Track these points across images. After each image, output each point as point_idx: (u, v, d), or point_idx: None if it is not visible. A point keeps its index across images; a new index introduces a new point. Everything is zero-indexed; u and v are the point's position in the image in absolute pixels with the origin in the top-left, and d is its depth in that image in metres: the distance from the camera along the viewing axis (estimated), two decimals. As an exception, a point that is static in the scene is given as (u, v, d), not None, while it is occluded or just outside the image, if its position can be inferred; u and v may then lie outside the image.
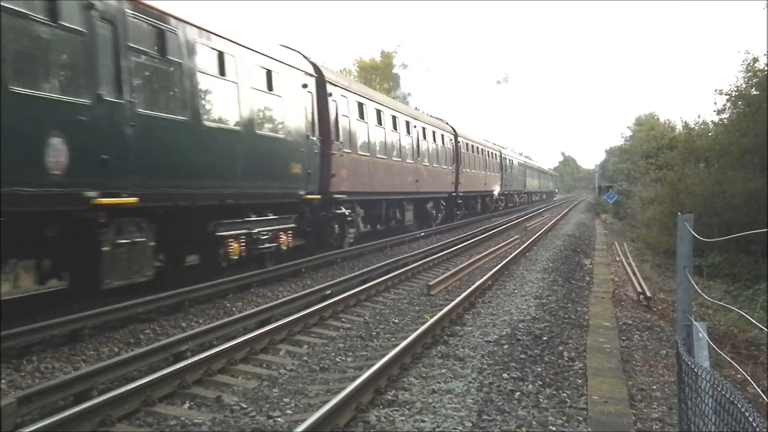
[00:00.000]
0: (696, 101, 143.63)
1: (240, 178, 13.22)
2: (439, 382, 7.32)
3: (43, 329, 8.55)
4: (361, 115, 20.86)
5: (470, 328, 10.13)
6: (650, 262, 23.75)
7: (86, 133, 9.18)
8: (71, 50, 9.16)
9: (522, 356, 8.53)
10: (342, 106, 18.96)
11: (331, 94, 18.11)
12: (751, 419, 2.43)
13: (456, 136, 35.07)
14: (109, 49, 9.69)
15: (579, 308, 12.11)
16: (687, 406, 3.79)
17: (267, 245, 14.18)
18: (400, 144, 24.59)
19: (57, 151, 8.57)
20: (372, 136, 21.59)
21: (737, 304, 16.42)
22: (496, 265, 16.60)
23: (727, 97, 27.56)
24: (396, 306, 12.09)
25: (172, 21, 11.29)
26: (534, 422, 6.22)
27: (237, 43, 13.32)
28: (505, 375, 7.68)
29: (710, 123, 33.32)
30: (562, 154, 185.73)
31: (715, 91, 28.34)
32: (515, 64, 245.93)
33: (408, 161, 25.23)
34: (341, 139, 18.67)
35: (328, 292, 12.44)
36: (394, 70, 70.61)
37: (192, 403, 6.73)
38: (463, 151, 35.94)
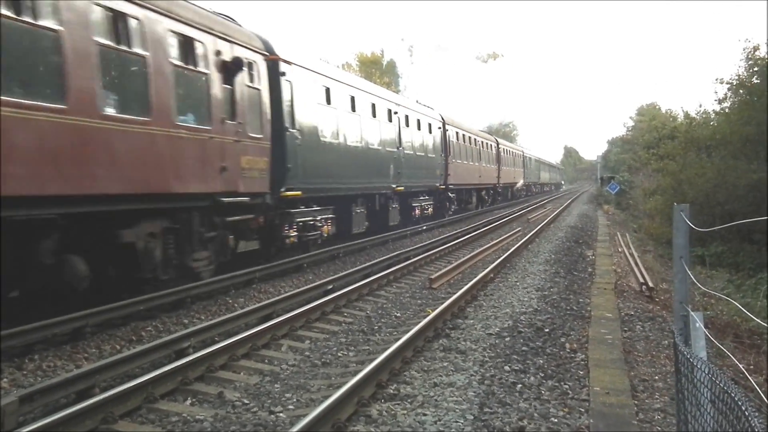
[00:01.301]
0: (697, 90, 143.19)
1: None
2: (440, 376, 7.32)
3: (45, 328, 8.56)
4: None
5: (472, 321, 10.14)
6: (653, 253, 23.79)
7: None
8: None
9: (524, 348, 8.54)
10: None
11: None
12: (745, 410, 2.43)
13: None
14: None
15: (581, 300, 12.12)
16: (684, 396, 3.79)
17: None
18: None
19: None
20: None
21: (740, 294, 16.44)
22: (498, 258, 16.60)
23: (728, 86, 27.60)
24: (398, 300, 12.10)
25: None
26: (536, 414, 6.23)
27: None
28: (506, 367, 7.68)
29: (711, 112, 33.30)
30: (565, 147, 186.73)
31: (716, 80, 28.34)
32: (515, 57, 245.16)
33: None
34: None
35: (330, 287, 12.44)
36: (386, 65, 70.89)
37: (194, 400, 6.74)
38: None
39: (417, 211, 27.41)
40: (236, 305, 11.37)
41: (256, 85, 14.30)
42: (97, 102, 9.35)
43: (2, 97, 7.71)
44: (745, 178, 23.29)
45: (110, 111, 9.69)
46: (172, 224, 11.51)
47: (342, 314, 10.83)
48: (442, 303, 10.63)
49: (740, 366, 7.07)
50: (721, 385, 2.83)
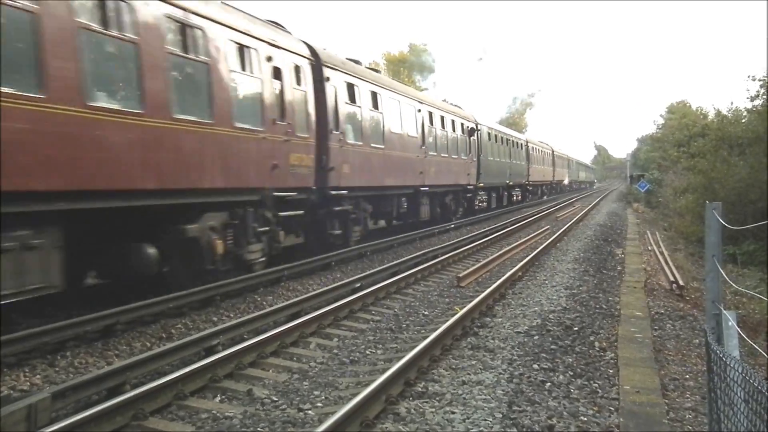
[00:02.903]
0: (728, 88, 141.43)
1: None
2: (469, 374, 7.31)
3: (77, 325, 8.67)
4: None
5: (500, 320, 10.10)
6: (683, 251, 23.53)
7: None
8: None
9: (552, 347, 8.50)
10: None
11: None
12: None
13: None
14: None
15: (610, 298, 12.03)
16: (716, 395, 3.75)
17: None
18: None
19: None
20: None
21: (773, 292, 16.20)
22: (527, 256, 16.52)
23: (761, 82, 27.11)
24: (426, 298, 12.09)
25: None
26: (565, 413, 6.20)
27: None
28: (535, 366, 7.65)
29: (743, 110, 32.82)
30: (595, 145, 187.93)
31: (749, 77, 27.92)
32: (549, 55, 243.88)
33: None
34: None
35: (358, 284, 12.46)
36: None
37: (223, 397, 6.79)
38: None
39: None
40: (265, 303, 11.42)
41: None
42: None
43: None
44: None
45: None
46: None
47: (370, 312, 10.84)
48: (471, 301, 10.62)
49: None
50: (755, 384, 2.80)
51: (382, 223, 23.20)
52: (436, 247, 18.68)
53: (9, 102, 7.59)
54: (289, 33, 15.69)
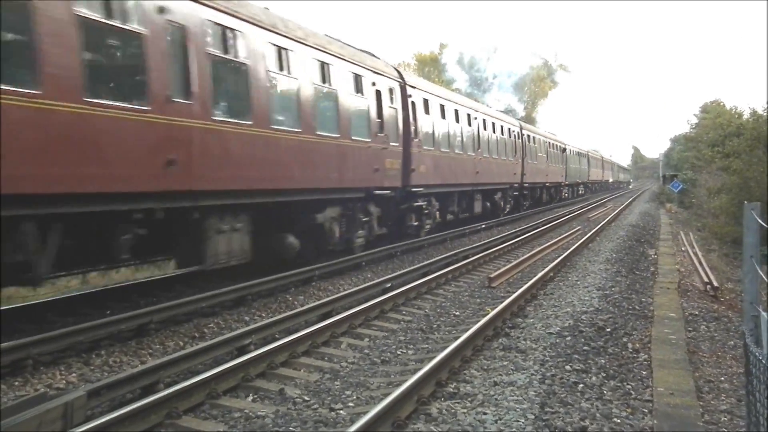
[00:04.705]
0: (763, 87, 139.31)
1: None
2: (500, 375, 7.28)
3: (111, 324, 8.77)
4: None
5: (532, 320, 10.04)
6: (717, 252, 23.26)
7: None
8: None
9: (585, 348, 8.43)
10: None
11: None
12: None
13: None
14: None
15: (643, 299, 11.91)
16: (755, 398, 3.69)
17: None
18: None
19: None
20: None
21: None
22: (558, 257, 16.41)
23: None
24: (457, 298, 12.06)
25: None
26: (598, 414, 6.15)
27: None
28: (567, 367, 7.60)
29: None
30: (633, 147, 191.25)
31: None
32: (576, 53, 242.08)
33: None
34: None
35: (389, 285, 12.46)
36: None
37: (255, 396, 6.82)
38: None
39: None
40: (296, 303, 11.47)
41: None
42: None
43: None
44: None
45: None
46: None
47: (401, 312, 10.84)
48: (502, 302, 10.57)
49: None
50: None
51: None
52: (467, 248, 18.64)
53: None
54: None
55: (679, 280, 14.17)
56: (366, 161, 16.24)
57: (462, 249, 18.27)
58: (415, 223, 20.07)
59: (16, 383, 7.09)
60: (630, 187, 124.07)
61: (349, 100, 15.50)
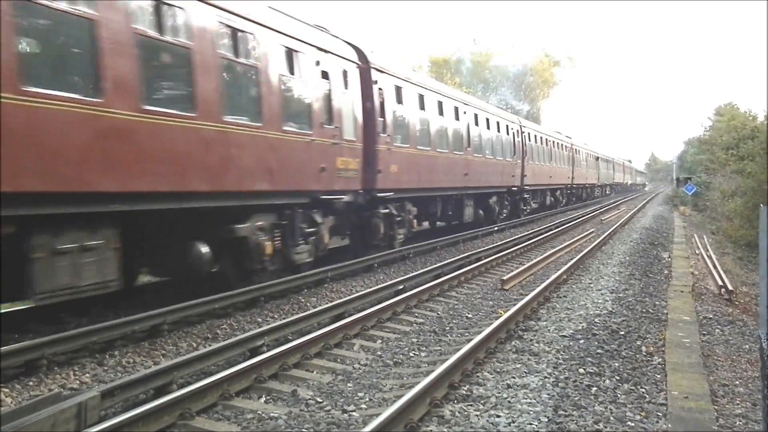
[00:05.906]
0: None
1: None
2: (513, 377, 7.26)
3: (124, 324, 8.80)
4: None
5: (545, 323, 10.01)
6: (731, 255, 23.13)
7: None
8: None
9: (598, 351, 8.39)
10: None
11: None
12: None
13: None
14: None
15: (657, 302, 11.85)
16: (772, 402, 3.67)
17: None
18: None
19: None
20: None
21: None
22: (571, 259, 16.36)
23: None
24: (469, 301, 12.03)
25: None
26: (612, 418, 6.12)
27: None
28: (581, 370, 7.57)
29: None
30: (651, 153, 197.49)
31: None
32: (592, 57, 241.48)
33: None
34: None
35: (401, 287, 12.45)
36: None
37: (268, 397, 6.83)
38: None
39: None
40: (308, 304, 11.47)
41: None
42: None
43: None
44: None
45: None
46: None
47: (413, 314, 10.82)
48: (515, 304, 10.54)
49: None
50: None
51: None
52: (479, 250, 18.58)
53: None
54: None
55: (693, 283, 14.09)
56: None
57: (474, 251, 18.22)
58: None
59: (31, 383, 7.12)
60: (645, 189, 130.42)
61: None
